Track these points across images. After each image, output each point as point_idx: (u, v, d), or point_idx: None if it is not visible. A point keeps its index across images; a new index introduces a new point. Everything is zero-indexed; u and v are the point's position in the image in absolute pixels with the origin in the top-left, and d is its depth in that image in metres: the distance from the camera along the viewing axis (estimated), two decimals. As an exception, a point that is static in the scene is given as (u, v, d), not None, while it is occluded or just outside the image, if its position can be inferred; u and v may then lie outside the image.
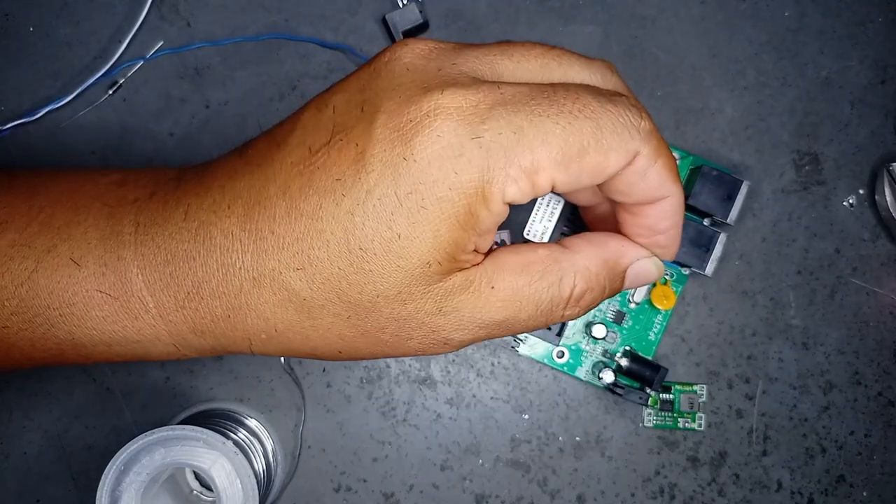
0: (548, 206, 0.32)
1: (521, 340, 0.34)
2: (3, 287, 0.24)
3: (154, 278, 0.24)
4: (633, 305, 0.34)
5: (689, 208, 0.33)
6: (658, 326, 0.35)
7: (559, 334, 0.33)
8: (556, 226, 0.32)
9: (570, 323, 0.34)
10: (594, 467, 0.35)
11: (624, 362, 0.34)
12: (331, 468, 0.35)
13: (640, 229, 0.25)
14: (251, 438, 0.33)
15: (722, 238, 0.33)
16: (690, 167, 0.34)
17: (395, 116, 0.22)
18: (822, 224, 0.35)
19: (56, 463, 0.35)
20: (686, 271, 0.34)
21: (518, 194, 0.22)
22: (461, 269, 0.23)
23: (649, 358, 0.34)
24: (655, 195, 0.24)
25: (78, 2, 0.35)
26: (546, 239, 0.32)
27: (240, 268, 0.23)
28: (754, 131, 0.35)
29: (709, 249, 0.33)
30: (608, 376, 0.33)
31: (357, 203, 0.22)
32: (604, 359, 0.34)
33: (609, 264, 0.25)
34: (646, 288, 0.34)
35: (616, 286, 0.26)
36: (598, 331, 0.34)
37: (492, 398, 0.35)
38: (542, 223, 0.32)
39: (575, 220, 0.33)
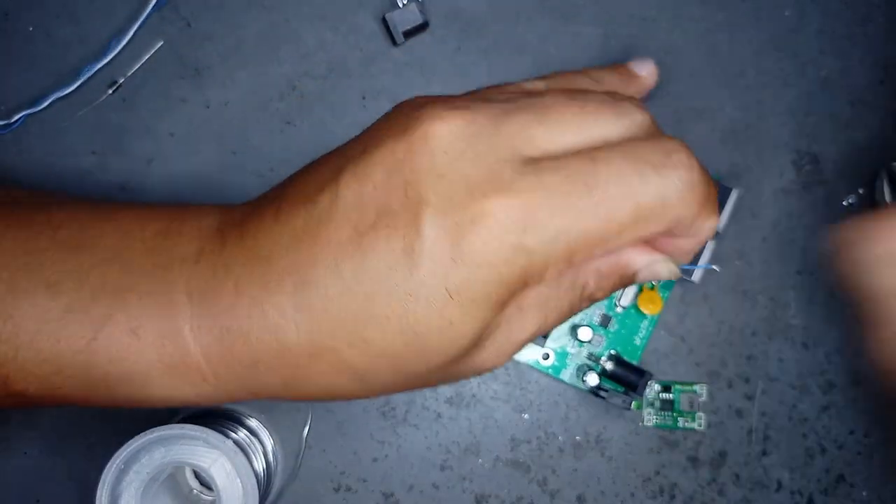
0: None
1: None
2: (60, 354, 0.24)
3: (212, 352, 0.24)
4: (619, 310, 0.34)
5: None
6: (644, 331, 0.35)
7: (545, 336, 0.33)
8: None
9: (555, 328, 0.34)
10: (594, 467, 0.35)
11: (609, 366, 0.34)
12: (331, 468, 0.35)
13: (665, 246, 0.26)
14: (251, 438, 0.33)
15: (710, 245, 0.33)
16: None
17: (442, 216, 0.22)
18: (822, 224, 0.35)
19: (56, 463, 0.35)
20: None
21: (557, 277, 0.24)
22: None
23: (634, 363, 0.34)
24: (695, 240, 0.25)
25: (78, 2, 0.35)
26: None
27: (296, 344, 0.23)
28: (754, 131, 0.35)
29: (697, 256, 0.32)
30: (592, 379, 0.33)
31: (410, 292, 0.22)
32: (589, 362, 0.34)
33: (620, 267, 0.26)
34: (632, 292, 0.34)
35: (627, 283, 0.27)
36: (584, 334, 0.34)
37: (491, 398, 0.35)
38: None
39: None
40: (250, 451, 0.32)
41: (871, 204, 0.35)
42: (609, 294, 0.27)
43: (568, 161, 0.23)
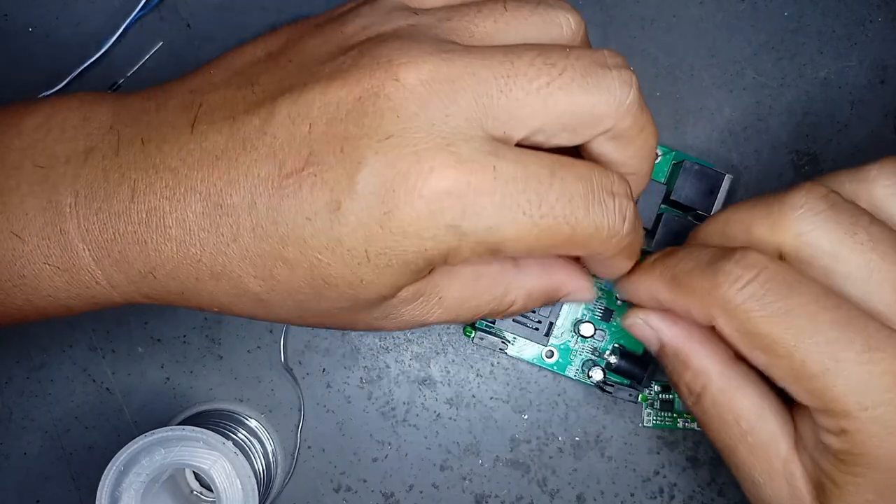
0: None
1: (510, 342, 0.34)
2: None
3: (102, 255, 0.23)
4: (620, 303, 0.34)
5: (671, 203, 0.33)
6: None
7: (547, 334, 0.33)
8: None
9: (559, 322, 0.34)
10: (594, 467, 0.35)
11: (613, 360, 0.34)
12: (331, 468, 0.35)
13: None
14: (251, 439, 0.33)
15: None
16: (673, 162, 0.34)
17: (379, 178, 0.21)
18: (821, 224, 0.35)
19: (56, 463, 0.35)
20: None
21: (477, 261, 0.24)
22: (407, 286, 0.24)
23: (639, 354, 0.34)
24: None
25: (78, 2, 0.35)
26: None
27: (198, 261, 0.23)
28: (753, 131, 0.35)
29: None
30: (597, 374, 0.33)
31: (326, 247, 0.22)
32: (593, 357, 0.34)
33: (549, 292, 0.27)
34: None
35: (548, 304, 0.28)
36: (587, 329, 0.34)
37: (491, 398, 0.35)
38: None
39: None
40: (250, 452, 0.32)
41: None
42: (527, 312, 0.28)
43: (526, 159, 0.22)
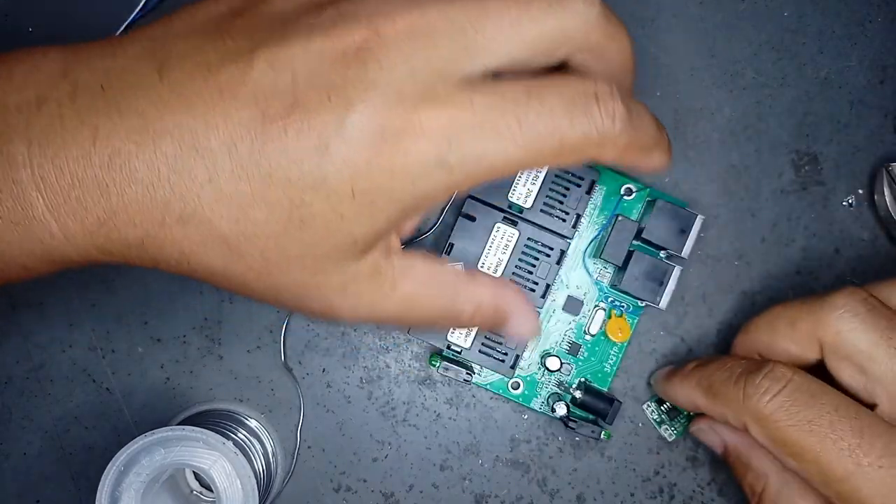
0: (501, 237, 0.33)
1: (476, 372, 0.34)
2: None
3: (58, 202, 0.22)
4: (588, 338, 0.34)
5: (644, 241, 0.33)
6: (614, 358, 0.34)
7: (513, 366, 0.33)
8: (510, 257, 0.32)
9: (525, 354, 0.34)
10: (593, 467, 0.35)
11: (578, 394, 0.34)
12: (331, 468, 0.35)
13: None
14: (251, 439, 0.33)
15: (676, 271, 0.33)
16: (646, 199, 0.34)
17: (367, 122, 0.22)
18: (821, 224, 0.35)
19: (56, 464, 0.35)
20: (641, 304, 0.34)
21: (464, 192, 0.24)
22: (375, 253, 0.25)
23: (604, 390, 0.34)
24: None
25: (77, 2, 0.35)
26: (500, 271, 0.32)
27: (166, 204, 0.22)
28: (753, 131, 0.35)
29: (663, 283, 0.32)
30: (561, 409, 0.33)
31: (311, 186, 0.22)
32: (558, 390, 0.34)
33: (499, 313, 0.28)
34: (601, 320, 0.34)
35: (496, 328, 0.29)
36: (553, 363, 0.34)
37: (491, 398, 0.35)
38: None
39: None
40: (250, 452, 0.32)
41: (870, 204, 0.35)
42: (473, 326, 0.29)
43: (502, 87, 0.23)
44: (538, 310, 0.33)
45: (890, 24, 0.35)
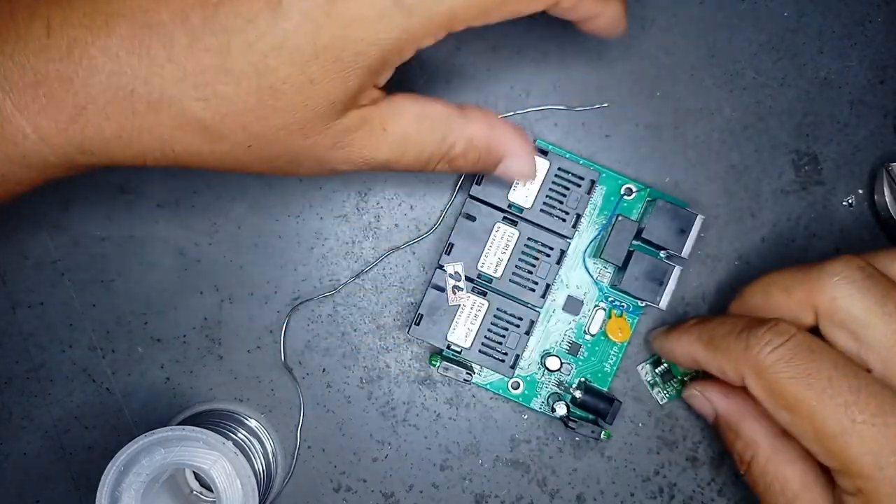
0: (501, 237, 0.32)
1: (476, 372, 0.34)
2: None
3: (26, 101, 0.22)
4: (588, 337, 0.34)
5: (644, 241, 0.33)
6: (613, 358, 0.34)
7: (513, 366, 0.33)
8: (510, 257, 0.32)
9: (525, 354, 0.34)
10: (593, 467, 0.35)
11: (578, 394, 0.34)
12: (331, 468, 0.35)
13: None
14: (251, 439, 0.33)
15: (676, 271, 0.33)
16: (646, 199, 0.34)
17: None
18: (821, 224, 0.35)
19: (56, 464, 0.35)
20: (641, 304, 0.34)
21: (432, 43, 0.24)
22: (360, 107, 0.25)
23: (604, 390, 0.34)
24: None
25: None
26: (501, 271, 0.32)
27: (131, 91, 0.22)
28: (753, 131, 0.35)
29: (662, 283, 0.32)
30: (561, 409, 0.33)
31: (272, 48, 0.22)
32: (558, 390, 0.34)
33: (491, 146, 0.28)
34: (601, 320, 0.34)
35: (487, 166, 0.28)
36: (553, 363, 0.34)
37: (491, 398, 0.35)
38: (495, 255, 0.32)
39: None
40: (250, 452, 0.32)
41: (870, 204, 0.35)
42: (466, 170, 0.28)
43: None
44: (538, 310, 0.33)
45: (890, 24, 0.35)
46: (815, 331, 0.28)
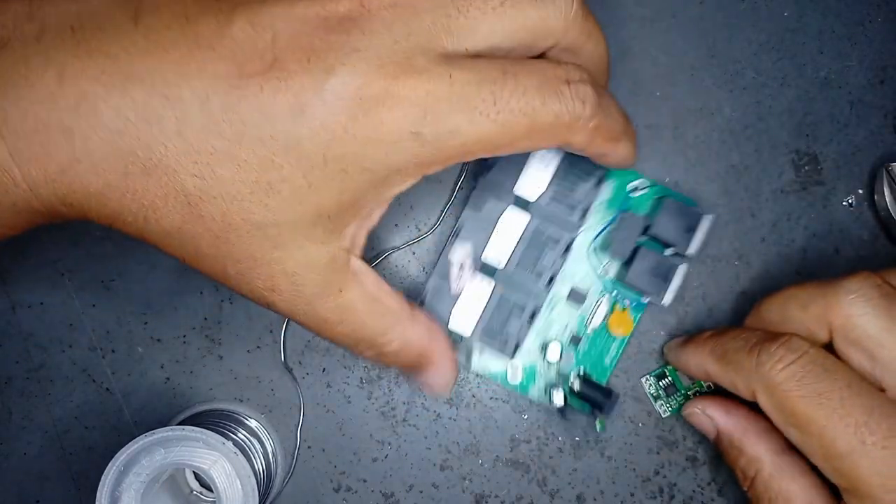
0: (508, 226, 0.32)
1: (473, 357, 0.34)
2: None
3: (21, 147, 0.21)
4: (589, 331, 0.34)
5: (651, 238, 0.33)
6: (614, 352, 0.34)
7: (514, 354, 0.33)
8: (515, 246, 0.32)
9: (526, 344, 0.34)
10: (593, 467, 0.35)
11: (577, 385, 0.34)
12: (331, 468, 0.35)
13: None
14: (251, 439, 0.33)
15: (682, 269, 0.33)
16: (655, 197, 0.34)
17: (345, 87, 0.22)
18: (821, 224, 0.35)
19: (56, 464, 0.35)
20: (645, 299, 0.34)
21: (440, 170, 0.24)
22: (336, 244, 0.24)
23: (602, 383, 0.34)
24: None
25: None
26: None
27: (130, 152, 0.21)
28: (753, 131, 0.35)
29: (667, 279, 0.32)
30: (558, 398, 0.33)
31: (283, 149, 0.22)
32: (557, 381, 0.34)
33: (422, 359, 0.28)
34: (603, 313, 0.34)
35: (411, 371, 0.29)
36: (553, 352, 0.34)
37: (491, 398, 0.35)
38: (501, 244, 0.32)
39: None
40: (250, 452, 0.32)
41: (870, 204, 0.35)
42: (388, 365, 0.29)
43: (480, 65, 0.23)
44: (541, 299, 0.33)
45: (890, 24, 0.35)
46: (829, 348, 0.28)
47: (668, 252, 0.33)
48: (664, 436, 0.35)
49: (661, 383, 0.35)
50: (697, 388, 0.34)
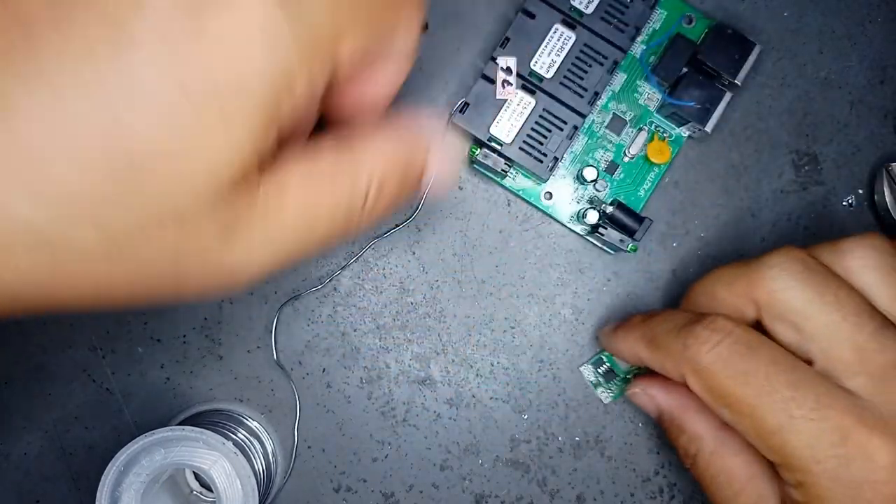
0: (558, 39, 0.32)
1: (509, 170, 0.34)
2: None
3: None
4: (626, 159, 0.34)
5: (699, 68, 0.33)
6: (649, 183, 0.34)
7: (551, 169, 0.32)
8: (563, 60, 0.32)
9: (561, 165, 0.34)
10: (593, 467, 0.35)
11: (610, 210, 0.33)
12: (331, 468, 0.35)
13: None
14: (251, 439, 0.33)
15: (727, 97, 0.32)
16: (709, 25, 0.34)
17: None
18: (821, 224, 0.35)
19: (56, 464, 0.35)
20: (684, 133, 0.34)
21: (322, 85, 0.19)
22: (249, 180, 0.18)
23: (637, 210, 0.34)
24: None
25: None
26: (552, 72, 0.32)
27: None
28: (753, 131, 0.35)
29: (713, 105, 0.32)
30: (592, 217, 0.33)
31: (125, 96, 0.15)
32: (591, 206, 0.34)
33: (409, 159, 0.22)
34: (642, 141, 0.34)
35: (411, 188, 0.23)
36: (589, 173, 0.33)
37: (491, 398, 0.35)
38: (549, 56, 0.32)
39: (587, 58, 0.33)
40: (250, 452, 0.32)
41: (870, 204, 0.35)
42: (387, 210, 0.22)
43: None
44: (583, 116, 0.33)
45: (890, 24, 0.35)
46: (759, 326, 0.28)
47: (718, 84, 0.33)
48: (664, 436, 0.35)
49: (599, 370, 0.35)
50: (636, 371, 0.35)
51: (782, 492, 0.27)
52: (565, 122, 0.32)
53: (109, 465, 0.29)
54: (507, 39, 0.33)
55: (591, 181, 0.33)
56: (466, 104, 0.32)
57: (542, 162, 0.32)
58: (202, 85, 0.16)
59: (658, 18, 0.34)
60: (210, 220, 0.18)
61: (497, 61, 0.32)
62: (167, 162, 0.16)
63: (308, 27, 0.17)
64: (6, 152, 0.15)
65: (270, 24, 0.16)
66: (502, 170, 0.33)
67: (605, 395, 0.35)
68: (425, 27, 0.23)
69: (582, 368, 0.35)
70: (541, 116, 0.32)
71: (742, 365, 0.26)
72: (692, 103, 0.32)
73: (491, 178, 0.35)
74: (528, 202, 0.35)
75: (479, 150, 0.33)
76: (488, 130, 0.32)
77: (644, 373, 0.34)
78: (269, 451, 0.34)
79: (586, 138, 0.34)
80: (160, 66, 0.15)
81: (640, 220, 0.32)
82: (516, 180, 0.34)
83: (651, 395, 0.31)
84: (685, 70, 0.33)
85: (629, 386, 0.33)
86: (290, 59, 0.17)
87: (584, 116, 0.33)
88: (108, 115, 0.15)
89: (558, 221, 0.35)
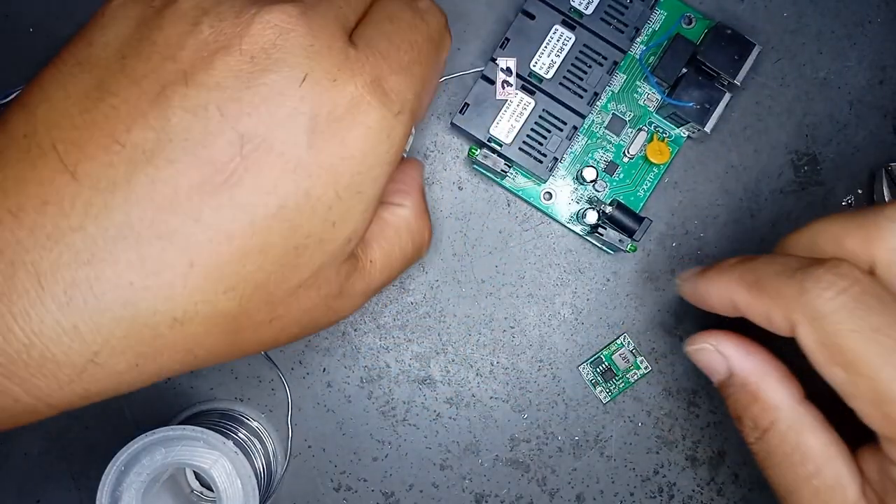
0: (558, 40, 0.33)
1: (509, 171, 0.34)
2: None
3: (13, 368, 0.18)
4: (626, 159, 0.34)
5: (698, 68, 0.33)
6: (649, 183, 0.34)
7: (550, 170, 0.33)
8: (563, 61, 0.33)
9: (561, 165, 0.34)
10: (593, 467, 0.35)
11: (609, 210, 0.33)
12: (331, 468, 0.35)
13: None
14: (251, 438, 0.33)
15: (726, 97, 0.33)
16: (708, 27, 0.34)
17: (320, 112, 0.20)
18: (820, 224, 0.35)
19: (56, 463, 0.35)
20: (684, 133, 0.34)
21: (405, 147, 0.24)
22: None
23: (636, 210, 0.34)
24: None
25: (78, 2, 0.35)
26: (552, 73, 0.33)
27: (152, 313, 0.19)
28: (752, 132, 0.35)
29: (712, 105, 0.32)
30: (592, 217, 0.33)
31: (296, 210, 0.20)
32: (590, 206, 0.34)
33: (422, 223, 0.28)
34: (642, 142, 0.34)
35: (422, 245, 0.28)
36: (589, 173, 0.33)
37: (491, 398, 0.35)
38: (549, 56, 0.33)
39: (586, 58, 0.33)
40: (250, 451, 0.32)
41: (870, 204, 0.35)
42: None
43: (381, 24, 0.23)
44: (582, 117, 0.33)
45: (890, 24, 0.35)
46: None
47: (717, 84, 0.33)
48: (663, 435, 0.35)
49: (598, 370, 0.35)
50: (635, 370, 0.35)
51: (865, 477, 0.24)
52: (565, 123, 0.33)
53: (110, 464, 0.29)
54: (507, 40, 0.33)
55: (591, 181, 0.33)
56: (466, 105, 0.32)
57: (541, 162, 0.33)
58: (351, 188, 0.21)
59: (657, 19, 0.34)
60: (335, 277, 0.23)
61: (497, 62, 0.32)
62: (318, 243, 0.21)
63: (410, 114, 0.22)
64: (215, 265, 0.20)
65: (389, 126, 0.22)
66: (502, 170, 0.33)
67: (603, 395, 0.35)
68: None
69: (581, 368, 0.35)
70: (540, 117, 0.32)
71: (872, 319, 0.22)
72: (691, 104, 0.32)
73: (491, 179, 0.35)
74: (527, 202, 0.35)
75: (478, 150, 0.33)
76: (488, 131, 0.32)
77: (644, 373, 0.33)
78: (270, 450, 0.34)
79: (586, 139, 0.34)
80: (322, 183, 0.21)
81: (639, 220, 0.33)
82: (516, 180, 0.34)
83: (724, 354, 0.26)
84: (684, 70, 0.33)
85: (694, 338, 0.27)
86: (397, 139, 0.22)
87: (583, 117, 0.33)
88: (284, 224, 0.20)
89: (558, 221, 0.35)
